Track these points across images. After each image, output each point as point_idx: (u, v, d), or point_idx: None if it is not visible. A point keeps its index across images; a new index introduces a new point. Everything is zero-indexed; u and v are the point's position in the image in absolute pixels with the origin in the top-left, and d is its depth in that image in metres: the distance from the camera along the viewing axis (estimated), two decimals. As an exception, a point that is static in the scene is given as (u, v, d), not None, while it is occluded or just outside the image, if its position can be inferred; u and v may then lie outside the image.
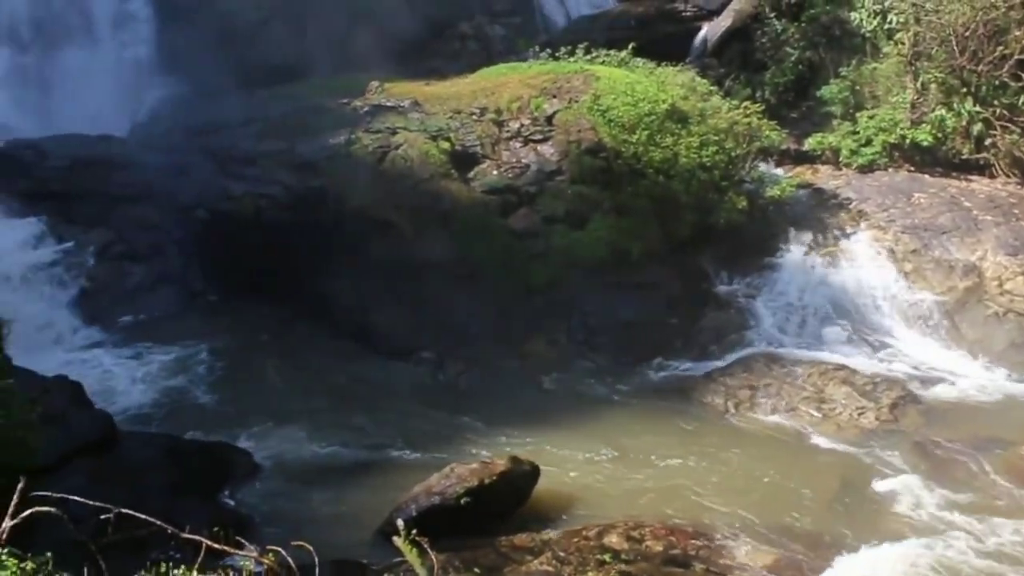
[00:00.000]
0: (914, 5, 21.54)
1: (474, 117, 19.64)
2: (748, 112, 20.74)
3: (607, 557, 11.18)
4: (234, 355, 17.42)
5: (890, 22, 21.89)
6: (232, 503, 13.09)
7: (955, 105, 21.15)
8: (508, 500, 12.47)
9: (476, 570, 10.44)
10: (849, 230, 20.04)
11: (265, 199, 19.22)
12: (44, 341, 17.02)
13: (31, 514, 4.64)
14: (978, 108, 21.04)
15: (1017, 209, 19.94)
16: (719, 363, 17.51)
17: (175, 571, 5.50)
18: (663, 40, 24.81)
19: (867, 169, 21.61)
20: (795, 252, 19.74)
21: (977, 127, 21.23)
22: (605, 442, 14.61)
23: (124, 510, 4.90)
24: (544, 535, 11.87)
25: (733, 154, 19.93)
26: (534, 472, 12.79)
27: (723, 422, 15.69)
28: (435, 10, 26.64)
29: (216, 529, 5.34)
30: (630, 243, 18.49)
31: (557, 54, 22.38)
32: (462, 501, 11.83)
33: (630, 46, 22.16)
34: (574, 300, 18.08)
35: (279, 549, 5.40)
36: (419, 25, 25.69)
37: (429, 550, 6.35)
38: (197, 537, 5.04)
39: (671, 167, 19.02)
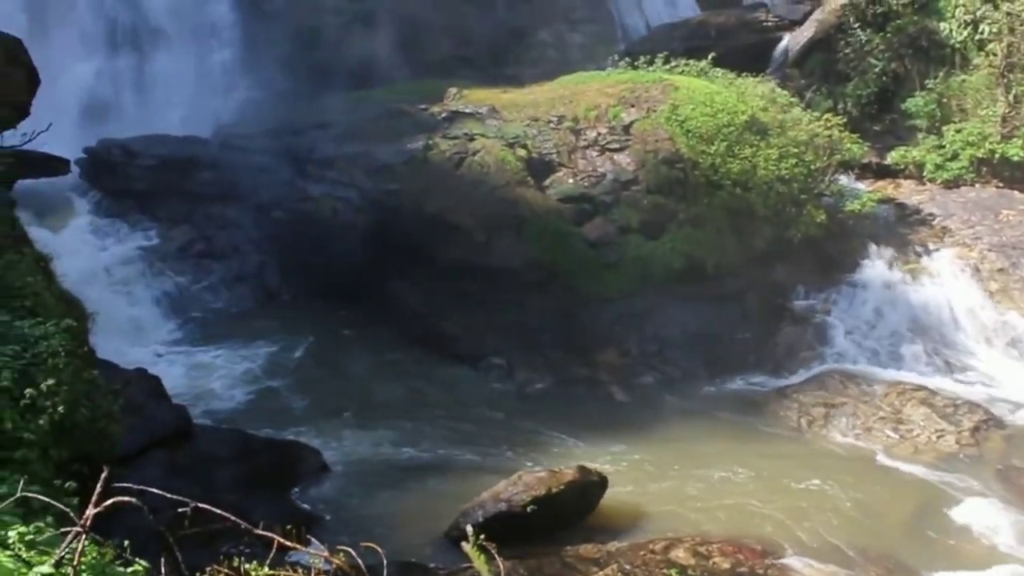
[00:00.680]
0: (1008, 15, 20.93)
1: (551, 125, 19.64)
2: (829, 124, 20.38)
3: (673, 572, 11.02)
4: (306, 355, 17.68)
5: (982, 32, 21.32)
6: (301, 500, 13.25)
7: (1050, 119, 20.52)
8: (575, 510, 12.41)
9: (541, 578, 10.41)
10: (932, 247, 19.52)
11: (342, 201, 19.49)
12: (126, 335, 17.47)
13: (113, 503, 4.74)
14: (1075, 123, 20.36)
15: (1112, 230, 19.20)
16: (793, 379, 17.23)
17: (247, 565, 5.58)
18: (743, 50, 24.55)
19: (952, 184, 21.05)
20: (875, 268, 19.28)
21: (1074, 142, 20.55)
22: (674, 455, 14.45)
23: (201, 504, 4.97)
24: (610, 547, 11.79)
25: (813, 167, 19.60)
26: (602, 483, 12.71)
27: (796, 439, 15.40)
28: (514, 17, 26.73)
29: (289, 528, 5.39)
30: (705, 255, 18.30)
31: (636, 63, 22.26)
32: (529, 509, 11.80)
33: (710, 56, 21.96)
34: (647, 311, 17.94)
35: (349, 549, 5.44)
36: (498, 32, 25.81)
37: (496, 556, 6.34)
38: (270, 534, 5.10)
39: (749, 179, 18.78)
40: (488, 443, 14.81)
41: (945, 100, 22.18)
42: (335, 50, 23.99)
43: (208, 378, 16.73)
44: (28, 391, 7.17)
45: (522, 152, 19.03)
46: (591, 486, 12.60)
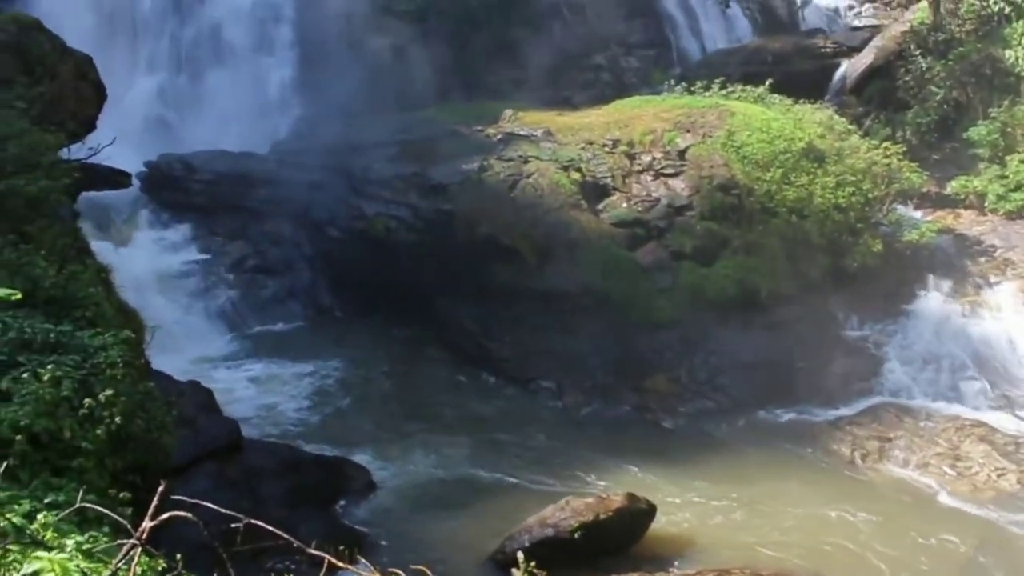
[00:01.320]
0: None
1: (606, 149, 19.61)
2: (888, 153, 20.08)
3: (723, 604, 10.84)
4: (356, 372, 17.78)
5: (1049, 61, 20.88)
6: (347, 517, 13.27)
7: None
8: (622, 537, 12.26)
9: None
10: (993, 279, 19.07)
11: (395, 220, 19.61)
12: (180, 347, 17.70)
13: (169, 517, 4.75)
14: None
15: None
16: (846, 411, 16.89)
17: (297, 582, 5.57)
18: (800, 76, 24.30)
19: (1015, 215, 20.57)
20: (932, 300, 18.89)
21: None
22: (724, 485, 14.22)
23: (254, 520, 4.97)
24: (657, 576, 11.62)
25: (870, 195, 19.31)
26: (650, 510, 12.55)
27: (849, 473, 15.08)
28: (570, 41, 26.81)
29: (342, 548, 5.37)
30: (759, 282, 18.08)
31: (692, 88, 22.17)
32: (576, 535, 11.70)
33: (767, 82, 21.79)
34: (698, 338, 17.75)
35: (400, 572, 5.40)
36: (553, 55, 25.88)
37: (546, 584, 6.25)
38: (321, 553, 5.07)
39: (805, 207, 18.57)
40: (535, 466, 14.72)
41: (1009, 129, 21.70)
42: (391, 70, 24.24)
43: (259, 392, 16.88)
44: (87, 401, 7.25)
45: (576, 175, 19.02)
46: (639, 514, 12.45)
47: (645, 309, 17.84)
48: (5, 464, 6.17)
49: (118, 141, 13.40)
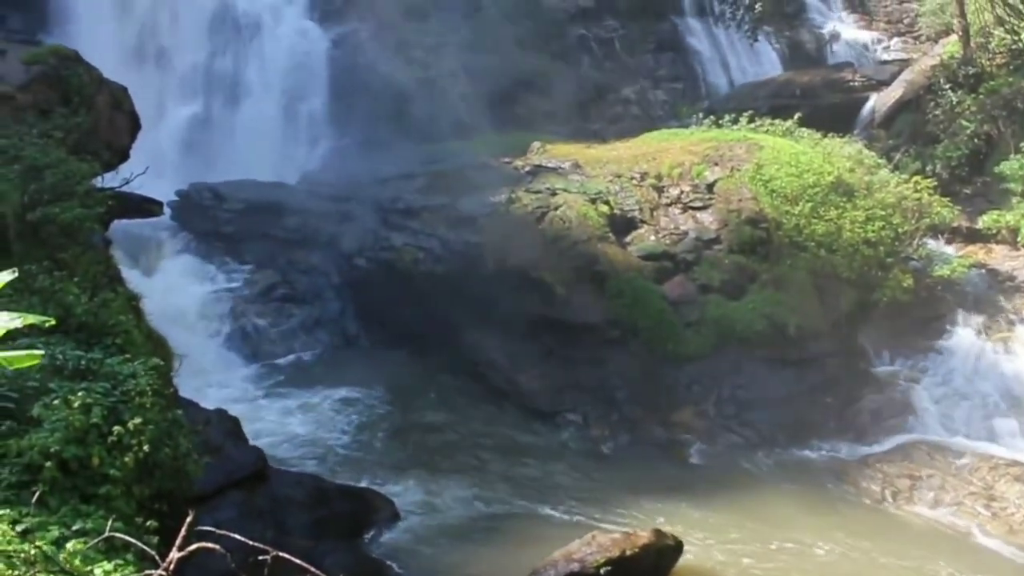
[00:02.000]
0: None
1: (634, 181, 19.62)
2: (918, 187, 19.95)
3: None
4: (381, 402, 17.73)
5: (1083, 96, 20.71)
6: (372, 549, 13.18)
7: None
8: (649, 574, 12.08)
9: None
10: (1027, 316, 18.84)
11: (423, 251, 19.66)
12: (207, 374, 17.78)
13: (197, 548, 4.75)
14: None
15: None
16: (876, 448, 16.65)
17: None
18: (828, 110, 24.29)
19: (1049, 251, 20.30)
20: (964, 336, 18.66)
21: None
22: (752, 522, 14.03)
23: (281, 553, 4.95)
24: (684, 615, 11.45)
25: (900, 230, 19.18)
26: (677, 547, 12.38)
27: (879, 511, 14.85)
28: (598, 73, 26.96)
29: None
30: (787, 317, 17.94)
31: (720, 121, 22.17)
32: (602, 570, 11.53)
33: (796, 116, 21.76)
34: (726, 372, 17.61)
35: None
36: (582, 87, 26.01)
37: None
38: (349, 586, 5.04)
39: (834, 241, 18.46)
40: (560, 499, 14.58)
41: (1042, 164, 21.51)
42: (421, 102, 24.45)
43: (285, 421, 16.87)
44: (116, 429, 7.29)
45: (604, 208, 19.02)
46: (666, 550, 12.28)
47: (672, 342, 17.74)
48: (36, 492, 6.21)
49: (150, 170, 13.57)
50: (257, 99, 25.31)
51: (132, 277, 14.10)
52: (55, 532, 5.87)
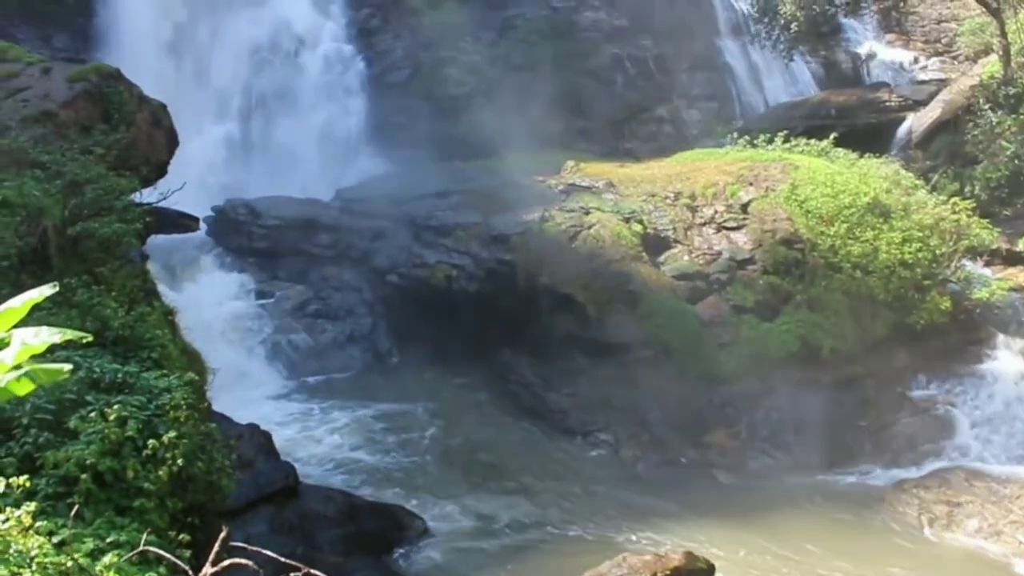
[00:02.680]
0: None
1: (668, 201, 19.55)
2: (956, 208, 19.68)
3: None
4: (412, 419, 17.75)
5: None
6: (401, 566, 13.16)
7: None
8: (680, 597, 11.94)
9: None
10: (1067, 341, 18.49)
11: (456, 269, 19.70)
12: (240, 389, 17.88)
13: (231, 564, 4.76)
14: None
15: None
16: (912, 473, 16.40)
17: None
18: (864, 130, 24.05)
19: (1091, 275, 19.94)
20: (1004, 360, 18.35)
21: None
22: (785, 547, 13.85)
23: (313, 572, 4.95)
24: (715, 639, 11.29)
25: (938, 252, 18.91)
26: (709, 570, 12.19)
27: (915, 538, 14.59)
28: (632, 93, 26.96)
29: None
30: (822, 339, 17.74)
31: (755, 141, 22.05)
32: (632, 593, 11.41)
33: (831, 136, 21.59)
34: (759, 394, 17.43)
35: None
36: (616, 107, 26.01)
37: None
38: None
39: (870, 262, 18.25)
40: (591, 519, 14.50)
41: (1083, 186, 21.19)
42: (455, 121, 24.60)
43: (317, 436, 16.92)
44: (151, 442, 7.33)
45: (638, 227, 18.96)
46: (697, 573, 12.10)
47: (705, 363, 17.60)
48: (72, 504, 6.25)
49: (187, 186, 13.72)
50: (293, 118, 25.58)
51: (167, 292, 14.25)
52: (90, 544, 5.90)
